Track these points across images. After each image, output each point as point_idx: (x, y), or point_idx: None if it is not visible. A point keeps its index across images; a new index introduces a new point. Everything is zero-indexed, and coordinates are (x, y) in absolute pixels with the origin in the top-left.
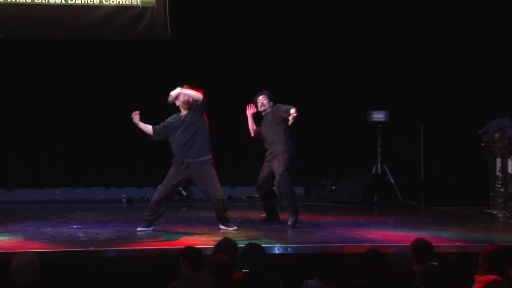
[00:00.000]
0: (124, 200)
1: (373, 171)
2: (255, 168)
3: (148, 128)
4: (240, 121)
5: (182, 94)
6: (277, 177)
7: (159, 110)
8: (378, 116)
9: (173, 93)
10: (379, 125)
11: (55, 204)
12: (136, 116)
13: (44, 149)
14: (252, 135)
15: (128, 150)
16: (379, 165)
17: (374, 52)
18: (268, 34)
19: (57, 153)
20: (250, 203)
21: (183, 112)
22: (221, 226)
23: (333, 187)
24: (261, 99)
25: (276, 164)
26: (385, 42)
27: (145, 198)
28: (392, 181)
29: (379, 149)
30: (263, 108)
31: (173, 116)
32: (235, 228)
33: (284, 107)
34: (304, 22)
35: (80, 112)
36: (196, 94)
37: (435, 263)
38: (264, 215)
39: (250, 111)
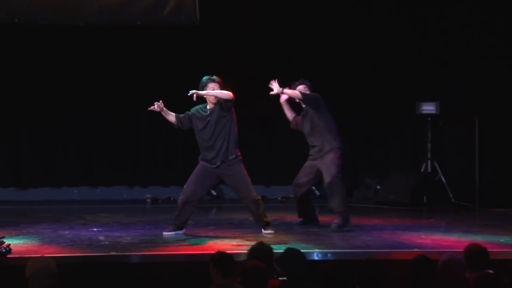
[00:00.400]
0: (148, 200)
1: (422, 169)
2: (292, 165)
3: (171, 116)
4: (275, 114)
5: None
6: (328, 178)
7: (185, 101)
8: (428, 108)
9: (200, 93)
10: (429, 118)
11: (73, 205)
12: (159, 105)
13: (62, 145)
14: (291, 126)
15: (152, 146)
16: (429, 162)
17: (422, 38)
18: (307, 19)
19: (75, 149)
20: (286, 204)
21: (210, 105)
22: (263, 231)
23: (378, 187)
24: (301, 89)
25: (327, 163)
26: (435, 27)
27: (171, 198)
28: (444, 180)
29: (429, 145)
30: None
31: (200, 106)
32: (271, 232)
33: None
34: (348, 8)
35: (100, 105)
36: (225, 95)
37: (491, 271)
38: (300, 219)
39: (282, 98)
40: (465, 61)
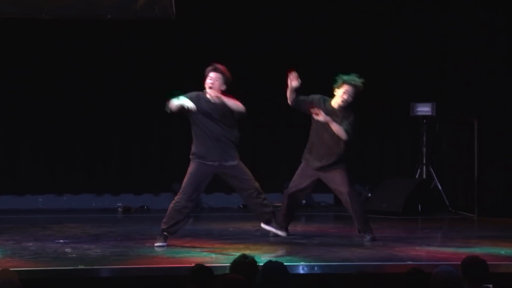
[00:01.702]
0: (120, 209)
1: (417, 176)
2: (276, 171)
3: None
4: (258, 115)
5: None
6: (344, 196)
7: (161, 101)
8: (424, 109)
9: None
10: (424, 120)
11: (38, 214)
12: None
13: (25, 148)
14: (290, 103)
15: (125, 150)
16: (424, 168)
17: (417, 35)
18: (295, 12)
19: (40, 153)
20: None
21: (213, 95)
22: (265, 226)
23: (369, 195)
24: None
25: (337, 178)
26: (431, 23)
27: (145, 207)
28: (440, 187)
29: (424, 149)
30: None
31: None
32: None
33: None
34: (340, 4)
35: (66, 105)
36: (237, 107)
37: (490, 286)
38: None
39: (294, 83)
40: (463, 59)
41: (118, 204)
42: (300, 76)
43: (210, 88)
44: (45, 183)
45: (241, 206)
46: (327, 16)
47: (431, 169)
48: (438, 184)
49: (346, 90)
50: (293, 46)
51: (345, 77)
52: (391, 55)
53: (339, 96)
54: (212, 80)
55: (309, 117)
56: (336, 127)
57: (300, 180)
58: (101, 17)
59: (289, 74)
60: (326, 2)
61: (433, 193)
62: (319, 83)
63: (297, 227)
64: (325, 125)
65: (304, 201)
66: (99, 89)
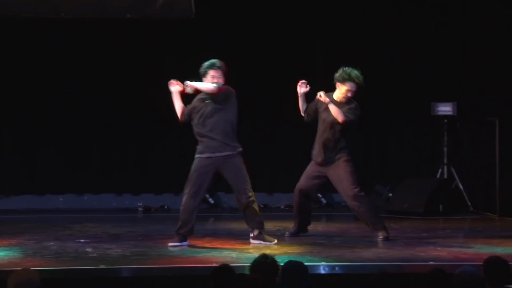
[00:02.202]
0: (140, 209)
1: (438, 175)
2: (297, 171)
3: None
4: (278, 114)
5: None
6: (351, 200)
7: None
8: (445, 109)
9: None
10: (445, 120)
11: (58, 214)
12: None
13: (45, 149)
14: (303, 114)
15: (144, 150)
16: (445, 168)
17: (438, 32)
18: (313, 11)
19: (60, 153)
20: (290, 213)
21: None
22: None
23: (390, 195)
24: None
25: (342, 177)
26: (452, 19)
27: (165, 206)
28: (461, 187)
29: (445, 149)
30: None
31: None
32: (275, 241)
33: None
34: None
35: (87, 105)
36: (207, 88)
37: None
38: (295, 227)
39: (303, 89)
40: (485, 58)
41: (139, 204)
42: (318, 76)
43: None
44: (66, 182)
45: (262, 206)
46: (347, 14)
47: (453, 169)
48: (460, 184)
49: (350, 88)
50: (312, 45)
51: (349, 72)
52: (411, 54)
53: (342, 93)
54: (216, 79)
55: None
56: (335, 109)
57: (305, 175)
58: (120, 16)
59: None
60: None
61: (454, 193)
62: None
63: (318, 227)
64: (324, 117)
65: (324, 201)
66: (118, 88)
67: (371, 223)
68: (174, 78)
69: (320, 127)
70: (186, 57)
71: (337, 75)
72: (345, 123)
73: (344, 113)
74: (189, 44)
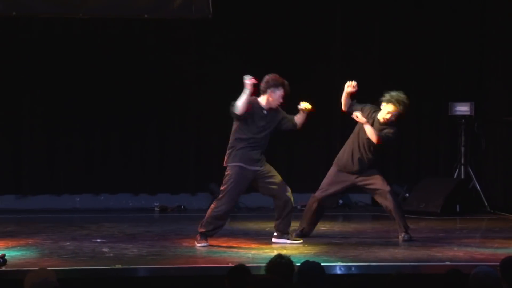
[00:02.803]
0: (156, 209)
1: (455, 176)
2: (312, 171)
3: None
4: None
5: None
6: (388, 196)
7: (198, 101)
8: (462, 109)
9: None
10: (463, 120)
11: (75, 214)
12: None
13: (62, 149)
14: (344, 109)
15: (161, 150)
16: (462, 168)
17: (457, 33)
18: (330, 9)
19: (77, 154)
20: None
21: (266, 106)
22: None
23: (407, 195)
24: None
25: (378, 180)
26: (470, 20)
27: (182, 206)
28: (478, 187)
29: (462, 149)
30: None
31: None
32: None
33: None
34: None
35: (104, 105)
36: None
37: None
38: (301, 228)
39: (350, 89)
40: (502, 58)
41: (155, 204)
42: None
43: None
44: (83, 182)
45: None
46: (364, 14)
47: (470, 169)
48: (477, 184)
49: (392, 111)
50: (330, 47)
51: (393, 95)
52: (429, 54)
53: (384, 113)
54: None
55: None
56: (370, 130)
57: (331, 184)
58: (138, 16)
59: (348, 82)
60: (363, 1)
61: (471, 194)
62: (358, 82)
63: (334, 227)
64: (362, 133)
65: (341, 201)
66: (135, 88)
67: (403, 220)
68: (191, 78)
69: (355, 140)
70: (204, 57)
71: (384, 96)
72: (379, 145)
73: (380, 135)
74: (204, 45)
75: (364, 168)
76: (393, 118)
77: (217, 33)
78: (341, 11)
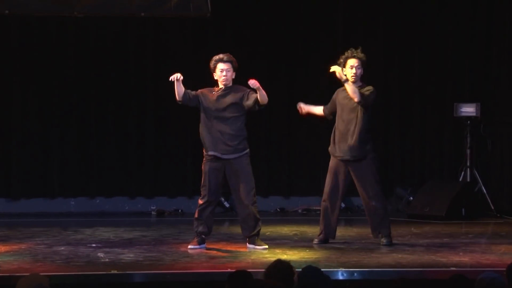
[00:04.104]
0: (153, 212)
1: (460, 179)
2: (314, 173)
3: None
4: (295, 115)
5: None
6: (373, 202)
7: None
8: (468, 110)
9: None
10: (468, 121)
11: (70, 218)
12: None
13: (56, 151)
14: (328, 115)
15: (158, 153)
16: (468, 170)
17: (462, 33)
18: (333, 8)
19: (71, 156)
20: (307, 218)
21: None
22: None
23: (411, 198)
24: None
25: (366, 177)
26: (476, 20)
27: (179, 210)
28: (484, 190)
29: (468, 151)
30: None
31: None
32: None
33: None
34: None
35: (99, 106)
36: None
37: None
38: (321, 235)
39: (304, 110)
40: (508, 58)
41: (152, 208)
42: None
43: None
44: (77, 185)
45: (278, 210)
46: (368, 14)
47: (476, 172)
48: (483, 187)
49: (354, 64)
50: (331, 46)
51: (345, 53)
52: (434, 55)
53: (349, 71)
54: (225, 72)
55: None
56: (351, 88)
57: (331, 177)
58: (135, 15)
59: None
60: (368, 1)
61: (477, 197)
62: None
63: (336, 232)
64: (343, 105)
65: (343, 205)
66: (132, 90)
67: (386, 228)
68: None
69: (339, 119)
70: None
71: (339, 60)
72: (361, 104)
73: (360, 93)
74: (203, 43)
75: (349, 148)
76: (360, 71)
77: (216, 32)
78: (342, 11)
